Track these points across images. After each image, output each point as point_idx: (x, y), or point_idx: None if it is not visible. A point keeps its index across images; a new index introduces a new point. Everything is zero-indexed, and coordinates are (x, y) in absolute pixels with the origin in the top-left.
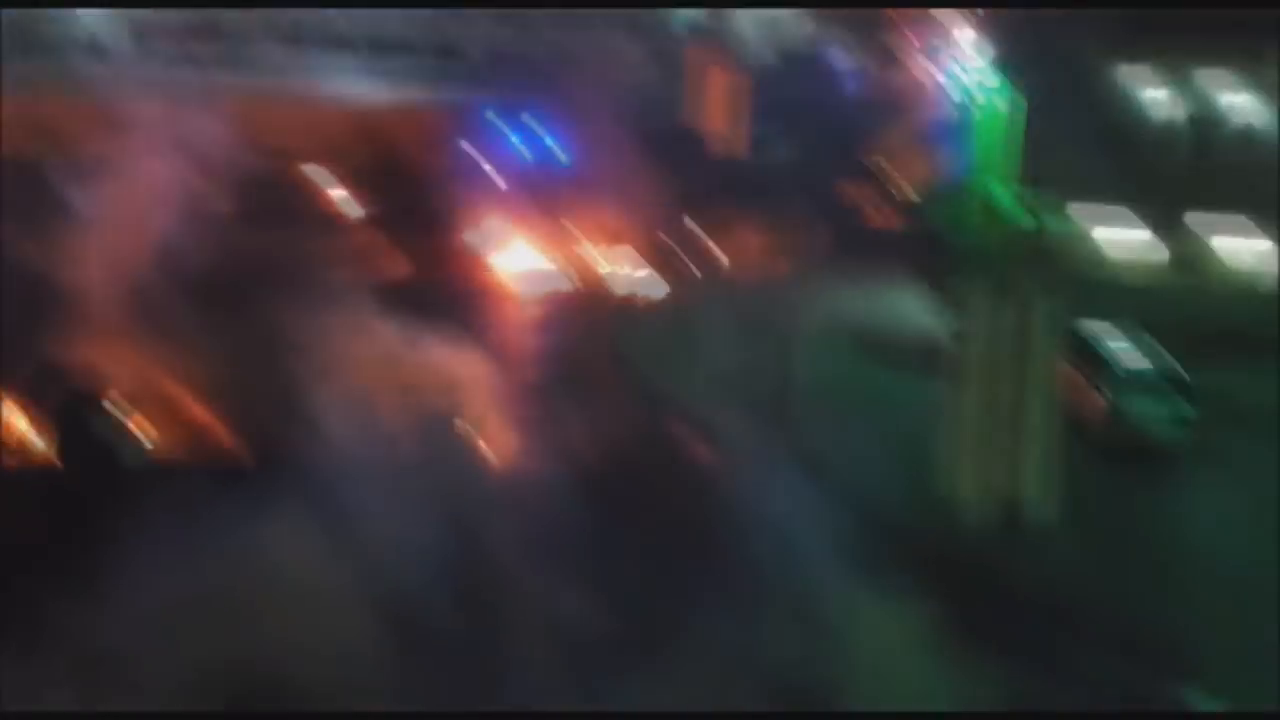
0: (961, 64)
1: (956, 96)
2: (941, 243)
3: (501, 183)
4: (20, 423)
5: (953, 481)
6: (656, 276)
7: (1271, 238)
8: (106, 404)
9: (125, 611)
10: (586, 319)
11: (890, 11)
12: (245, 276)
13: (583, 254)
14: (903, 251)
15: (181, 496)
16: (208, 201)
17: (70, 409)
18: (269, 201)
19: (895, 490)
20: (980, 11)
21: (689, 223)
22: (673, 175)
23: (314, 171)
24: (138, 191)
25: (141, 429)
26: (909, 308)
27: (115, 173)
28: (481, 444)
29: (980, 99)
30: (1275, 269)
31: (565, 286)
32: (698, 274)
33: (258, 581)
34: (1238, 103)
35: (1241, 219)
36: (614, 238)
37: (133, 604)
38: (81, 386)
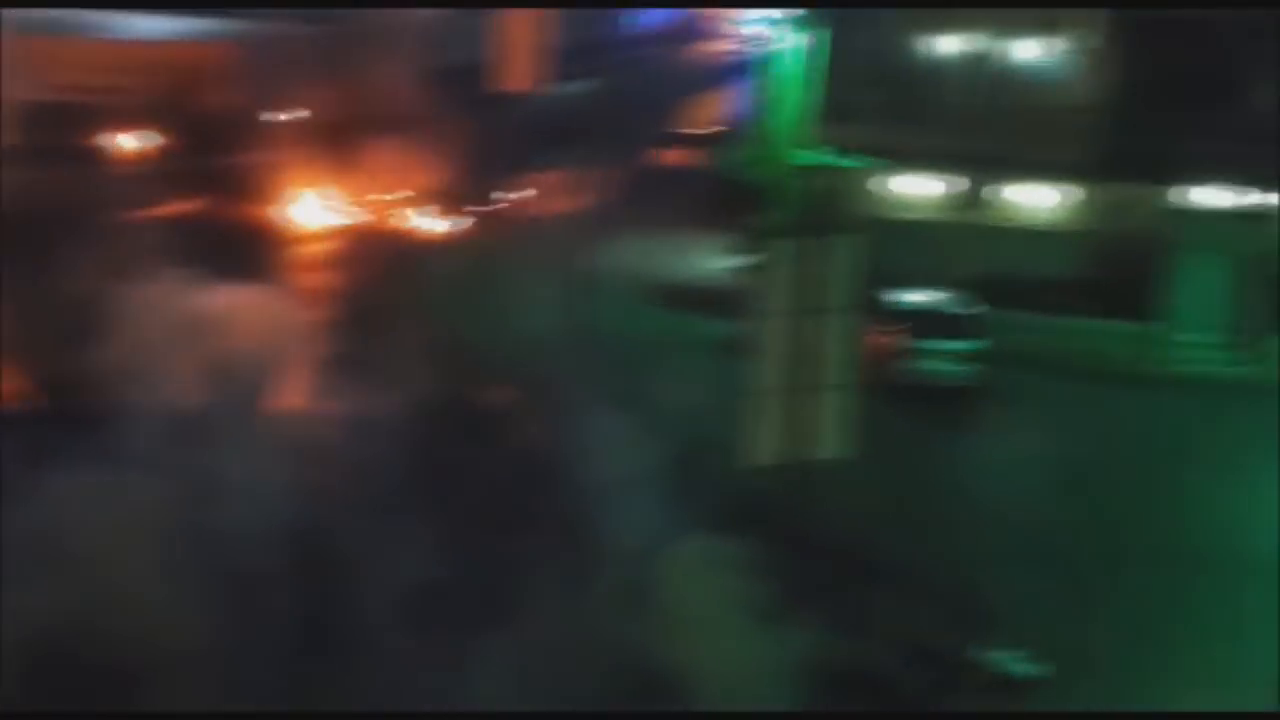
0: (757, 6)
1: (752, 37)
2: (736, 183)
3: (293, 119)
4: None
5: (751, 427)
6: (451, 218)
7: (1064, 183)
8: None
9: None
10: (376, 259)
11: None
12: (25, 217)
13: (375, 192)
14: (698, 192)
15: None
16: None
17: None
18: (50, 139)
19: (695, 436)
20: None
21: (485, 163)
22: (468, 114)
23: (99, 107)
24: None
25: None
26: (704, 250)
27: None
28: (276, 390)
29: (775, 41)
30: (1068, 213)
31: (357, 226)
32: (494, 215)
33: (51, 537)
34: (1033, 51)
35: (1036, 164)
36: (407, 175)
37: None
38: None
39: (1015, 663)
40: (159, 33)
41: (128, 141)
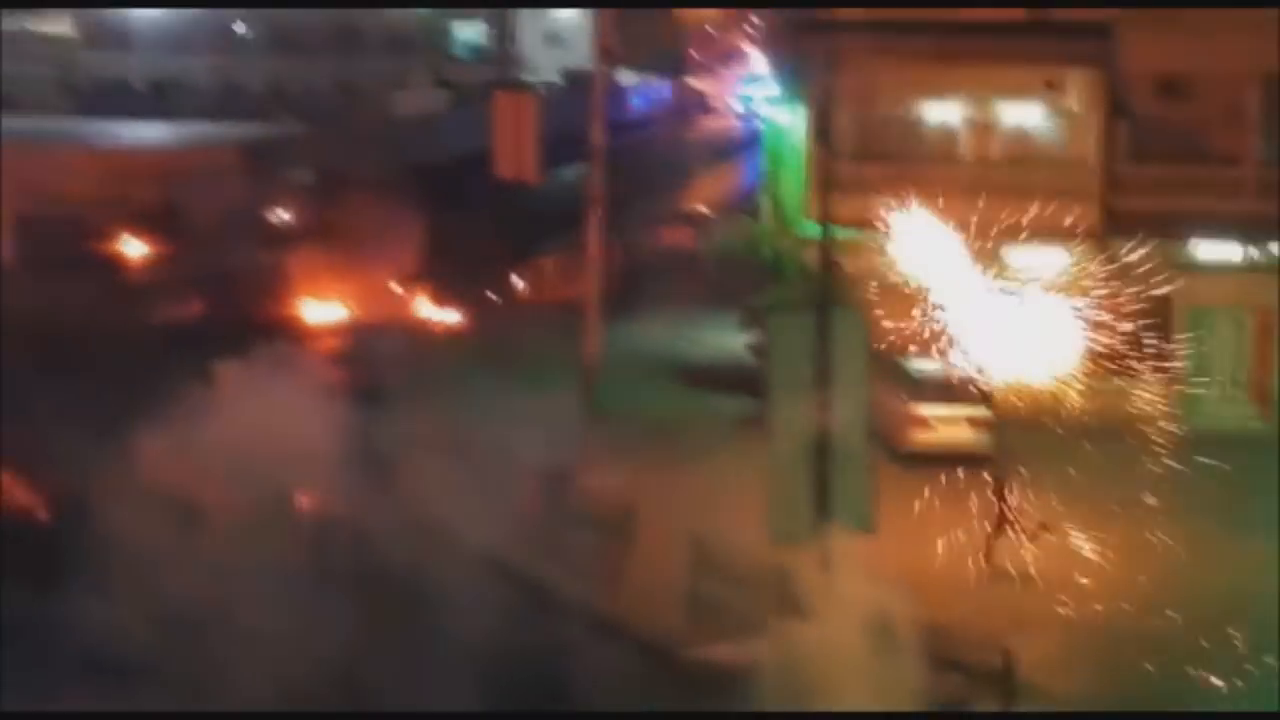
0: (749, 80)
1: (745, 112)
2: (741, 260)
3: (289, 217)
4: None
5: (772, 501)
6: (458, 307)
7: (1058, 244)
8: None
9: None
10: (387, 352)
11: (678, 24)
12: (30, 326)
13: (380, 286)
14: (703, 270)
15: None
16: None
17: None
18: (53, 250)
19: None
20: (763, 25)
21: (483, 252)
22: (465, 204)
23: (97, 215)
24: None
25: None
26: (713, 327)
27: None
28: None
29: (773, 115)
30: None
31: (365, 319)
32: (495, 302)
33: None
34: (1031, 112)
35: (1030, 224)
36: (406, 270)
37: None
38: None
39: None
40: (158, 140)
41: (131, 248)
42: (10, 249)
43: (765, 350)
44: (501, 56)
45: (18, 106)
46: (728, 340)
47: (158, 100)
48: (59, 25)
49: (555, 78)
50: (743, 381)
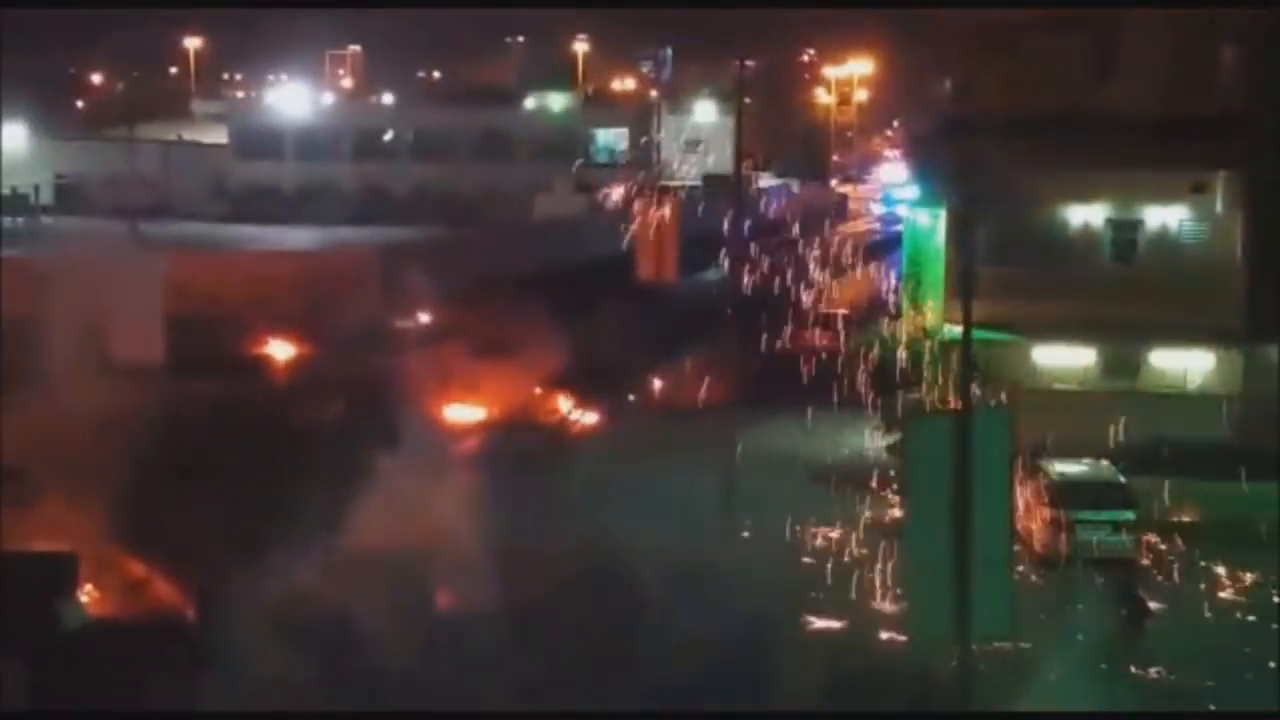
0: (889, 183)
1: (884, 215)
2: (881, 361)
3: (430, 318)
4: None
5: (912, 605)
6: (591, 408)
7: (1203, 345)
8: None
9: None
10: (522, 449)
11: (818, 129)
12: (185, 428)
13: (517, 387)
14: (843, 371)
15: (120, 658)
16: (144, 353)
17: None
18: (202, 350)
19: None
20: (907, 130)
21: (622, 352)
22: (604, 306)
23: (246, 317)
24: (67, 349)
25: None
26: (850, 429)
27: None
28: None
29: (907, 216)
30: (1211, 376)
31: (499, 420)
32: (634, 403)
33: None
34: (1171, 216)
35: (1183, 329)
36: (546, 371)
37: None
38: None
39: None
40: (305, 243)
41: (278, 350)
42: (164, 350)
43: (904, 452)
44: (642, 161)
45: (173, 213)
46: (866, 441)
47: (305, 205)
48: (215, 135)
49: (695, 181)
50: (877, 482)
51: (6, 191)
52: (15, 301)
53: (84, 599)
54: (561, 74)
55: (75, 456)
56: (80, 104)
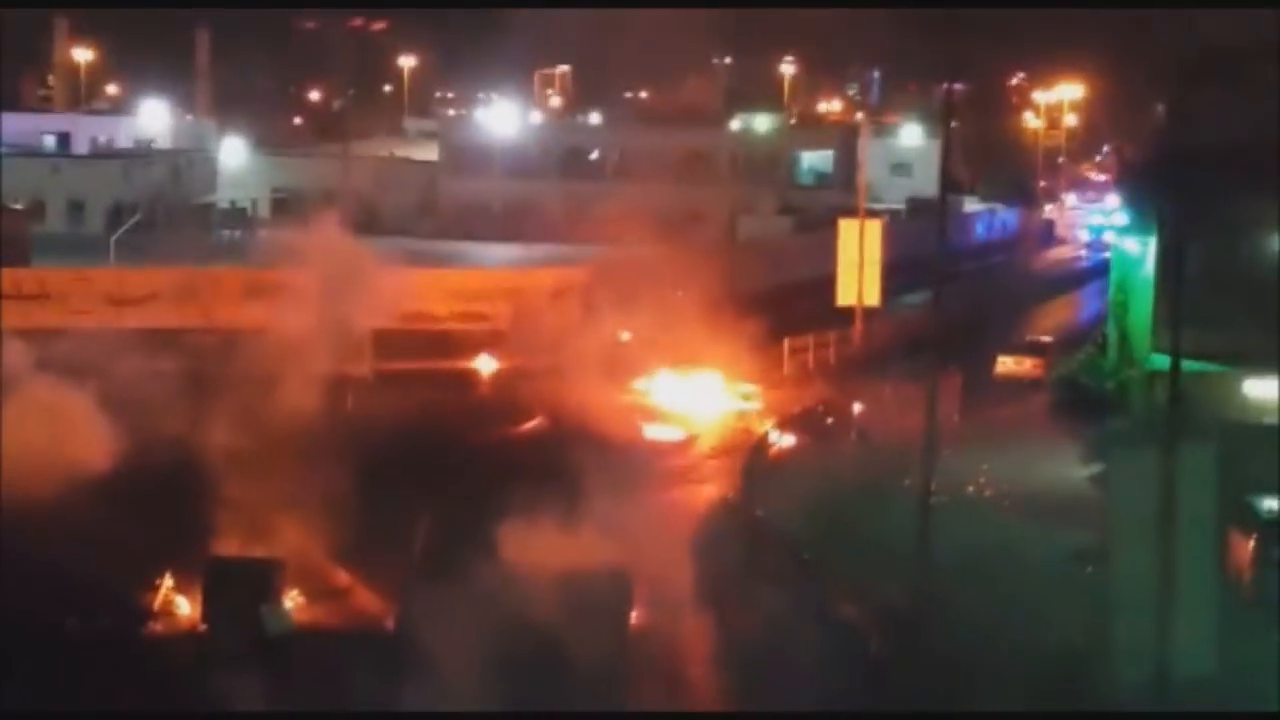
0: (1097, 210)
1: (1092, 241)
2: (1087, 390)
3: (628, 335)
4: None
5: (1114, 641)
6: (790, 432)
7: None
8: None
9: None
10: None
11: (1027, 154)
12: (383, 438)
13: (719, 407)
14: (1048, 400)
15: (321, 665)
16: (354, 365)
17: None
18: (409, 363)
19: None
20: (1118, 155)
21: (826, 376)
22: (807, 328)
23: (452, 331)
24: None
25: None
26: (1057, 458)
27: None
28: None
29: (1116, 243)
30: None
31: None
32: (833, 427)
33: None
34: None
35: None
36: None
37: None
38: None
39: None
40: (510, 259)
41: (482, 364)
42: (371, 364)
43: (1108, 484)
44: (847, 183)
45: (383, 229)
46: (1069, 472)
47: (512, 222)
48: (427, 152)
49: (900, 205)
50: (1079, 514)
51: (226, 205)
52: (230, 311)
53: (288, 605)
54: (768, 96)
55: (281, 467)
56: (298, 120)
